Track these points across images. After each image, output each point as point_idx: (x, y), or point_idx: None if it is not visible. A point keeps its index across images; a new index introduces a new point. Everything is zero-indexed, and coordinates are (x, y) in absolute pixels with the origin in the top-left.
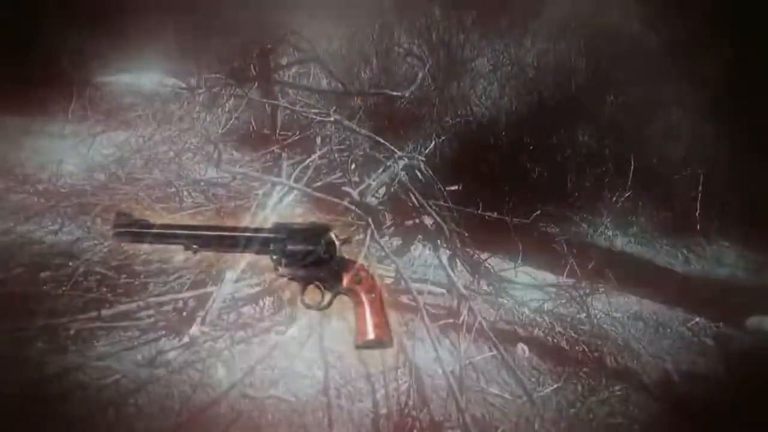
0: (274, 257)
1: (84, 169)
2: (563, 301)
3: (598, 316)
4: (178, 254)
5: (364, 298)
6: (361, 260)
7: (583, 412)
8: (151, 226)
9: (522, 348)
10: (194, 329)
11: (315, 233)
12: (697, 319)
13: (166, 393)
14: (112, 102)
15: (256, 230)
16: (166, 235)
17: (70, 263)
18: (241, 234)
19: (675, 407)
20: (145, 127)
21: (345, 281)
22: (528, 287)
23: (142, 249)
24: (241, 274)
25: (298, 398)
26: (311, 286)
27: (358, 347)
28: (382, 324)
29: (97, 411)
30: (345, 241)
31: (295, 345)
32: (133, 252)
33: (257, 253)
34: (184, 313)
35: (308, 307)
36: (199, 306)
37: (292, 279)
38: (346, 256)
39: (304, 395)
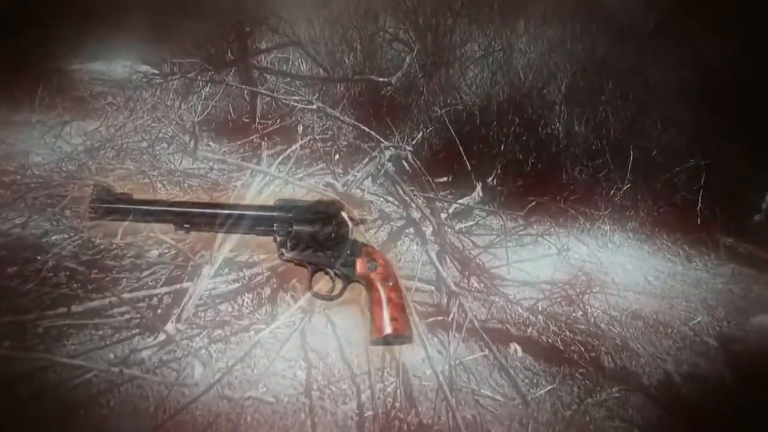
0: (278, 239)
1: (52, 160)
2: (558, 299)
3: (595, 315)
4: (152, 248)
5: (379, 287)
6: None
7: (580, 414)
8: (135, 201)
9: (515, 348)
10: (170, 327)
11: (325, 212)
12: (699, 318)
13: (140, 394)
14: (82, 90)
15: (258, 208)
16: (155, 213)
17: (38, 257)
18: (241, 212)
19: (675, 410)
20: (116, 116)
21: (358, 268)
22: (521, 284)
23: (114, 243)
24: (218, 269)
25: (279, 399)
26: (320, 273)
27: (374, 343)
28: (401, 316)
29: (68, 412)
30: (358, 222)
31: (275, 344)
32: (104, 246)
33: (259, 234)
34: (159, 311)
35: (317, 296)
36: (174, 303)
37: (298, 264)
38: (360, 239)
39: (285, 396)
